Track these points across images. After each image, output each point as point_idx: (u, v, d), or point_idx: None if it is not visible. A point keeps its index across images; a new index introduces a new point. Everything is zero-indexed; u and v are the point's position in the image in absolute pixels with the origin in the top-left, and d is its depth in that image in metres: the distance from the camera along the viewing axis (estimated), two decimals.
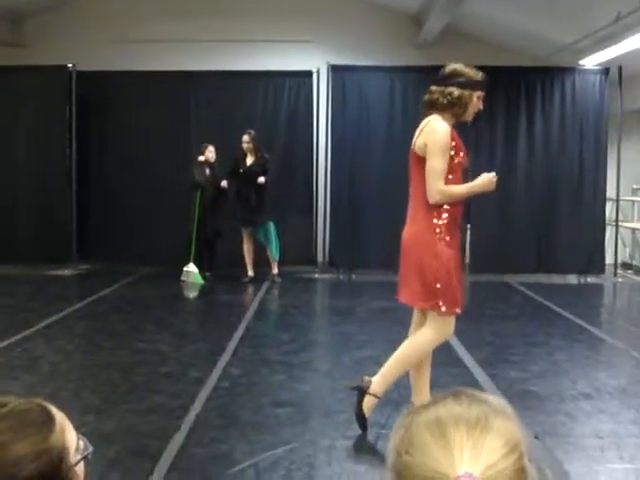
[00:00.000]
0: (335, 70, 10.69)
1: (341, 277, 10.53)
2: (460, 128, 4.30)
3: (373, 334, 6.95)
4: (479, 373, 5.57)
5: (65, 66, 10.68)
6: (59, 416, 1.23)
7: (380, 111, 10.56)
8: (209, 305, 9.02)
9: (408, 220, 4.23)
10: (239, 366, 5.73)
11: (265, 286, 9.64)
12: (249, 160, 9.86)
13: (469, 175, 4.35)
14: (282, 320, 8.16)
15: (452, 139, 4.07)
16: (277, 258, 10.02)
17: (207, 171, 9.88)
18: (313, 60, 10.90)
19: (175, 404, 4.82)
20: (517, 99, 10.64)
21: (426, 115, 4.20)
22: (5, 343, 6.36)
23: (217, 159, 9.94)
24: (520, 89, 10.64)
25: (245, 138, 9.80)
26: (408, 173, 4.25)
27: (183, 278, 9.78)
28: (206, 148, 9.90)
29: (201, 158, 9.89)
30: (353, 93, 10.68)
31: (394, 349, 4.24)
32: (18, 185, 10.85)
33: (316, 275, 10.62)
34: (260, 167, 9.77)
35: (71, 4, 11.21)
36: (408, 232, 4.21)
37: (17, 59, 11.01)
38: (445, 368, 5.45)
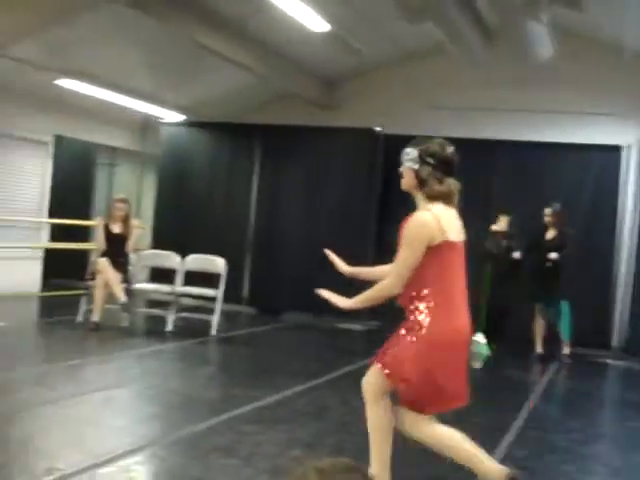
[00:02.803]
0: None
1: (638, 367, 9.76)
2: None
3: None
4: None
5: (372, 129, 11.18)
6: None
7: None
8: (495, 378, 8.78)
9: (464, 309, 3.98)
10: (524, 448, 5.48)
11: (554, 366, 9.23)
12: (550, 234, 9.56)
13: None
14: (571, 405, 7.72)
15: None
16: (568, 339, 9.53)
17: (501, 241, 9.72)
18: (622, 135, 10.42)
19: (454, 478, 4.70)
20: None
21: None
22: (295, 389, 6.69)
23: (515, 230, 9.72)
24: None
25: (547, 211, 9.54)
26: None
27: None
28: (500, 218, 9.77)
29: (494, 227, 9.77)
30: None
31: None
32: (322, 235, 11.24)
33: (609, 361, 9.99)
34: (558, 242, 9.43)
35: (380, 70, 11.79)
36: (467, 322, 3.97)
37: (328, 120, 11.75)
38: None
